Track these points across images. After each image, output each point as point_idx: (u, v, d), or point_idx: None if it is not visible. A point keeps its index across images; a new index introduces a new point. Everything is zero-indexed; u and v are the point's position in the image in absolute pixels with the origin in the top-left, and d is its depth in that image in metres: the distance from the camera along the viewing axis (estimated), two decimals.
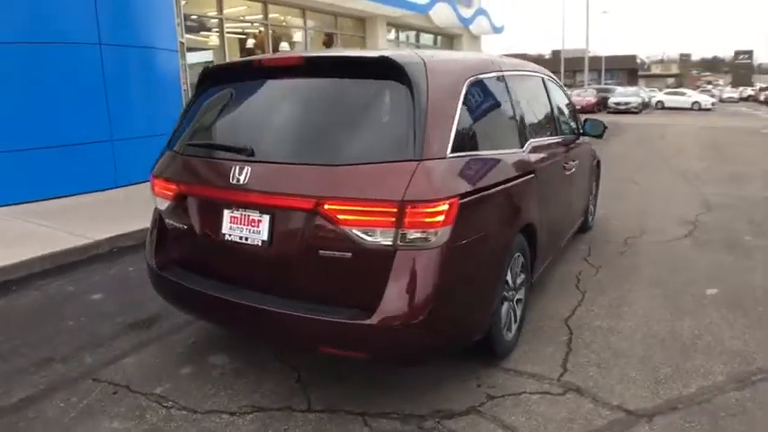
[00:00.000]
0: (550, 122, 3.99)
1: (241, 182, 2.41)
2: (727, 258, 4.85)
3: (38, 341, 3.35)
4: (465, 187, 2.34)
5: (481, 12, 24.47)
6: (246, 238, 2.47)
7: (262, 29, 13.79)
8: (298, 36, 15.36)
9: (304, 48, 15.33)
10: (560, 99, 4.51)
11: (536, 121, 3.64)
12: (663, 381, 2.86)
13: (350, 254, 2.22)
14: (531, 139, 3.35)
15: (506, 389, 2.78)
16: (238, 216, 2.50)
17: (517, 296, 3.11)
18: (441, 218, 2.17)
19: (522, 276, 3.15)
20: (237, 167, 2.43)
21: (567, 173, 4.14)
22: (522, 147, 3.16)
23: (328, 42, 17.44)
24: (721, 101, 42.59)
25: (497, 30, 26.48)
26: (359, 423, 2.51)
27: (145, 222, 5.31)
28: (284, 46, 14.73)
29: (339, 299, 2.33)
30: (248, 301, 2.44)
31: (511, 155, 2.97)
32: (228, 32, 12.56)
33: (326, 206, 2.22)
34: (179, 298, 2.83)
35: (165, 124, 7.98)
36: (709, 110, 34.73)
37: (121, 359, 3.14)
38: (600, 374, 2.93)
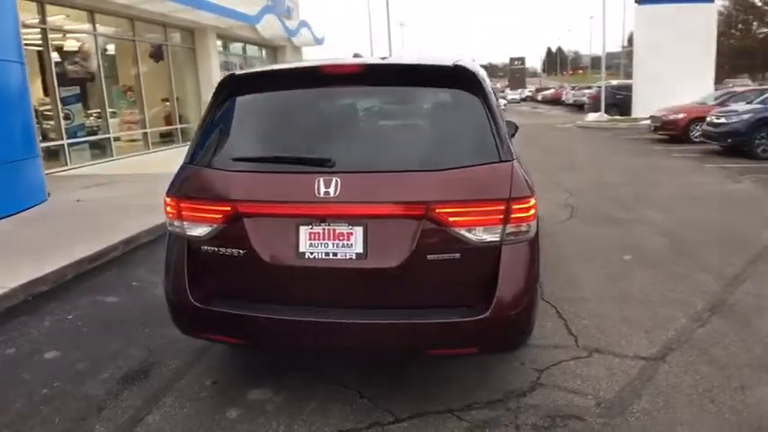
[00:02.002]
0: None
1: (331, 195, 2.32)
2: (617, 231, 5.88)
3: (18, 420, 2.73)
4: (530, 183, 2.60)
5: (304, 24, 24.97)
6: (335, 254, 2.38)
7: (88, 41, 12.29)
8: (125, 47, 13.98)
9: (133, 60, 14.04)
10: None
11: None
12: (649, 330, 3.47)
13: (458, 254, 2.31)
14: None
15: (545, 362, 3.11)
16: (320, 231, 2.39)
17: None
18: (533, 211, 2.40)
19: None
20: (322, 180, 2.33)
21: None
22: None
23: (156, 55, 16.25)
24: (508, 101, 49.14)
25: (319, 41, 27.22)
26: (453, 419, 2.61)
27: (48, 263, 4.56)
28: (85, 62, 13.28)
29: (443, 300, 2.40)
30: (345, 318, 2.37)
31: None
32: (54, 44, 10.98)
33: (437, 210, 2.28)
34: (244, 331, 2.56)
35: (21, 148, 6.77)
36: (503, 110, 39.82)
37: (143, 419, 2.72)
38: (603, 335, 3.42)
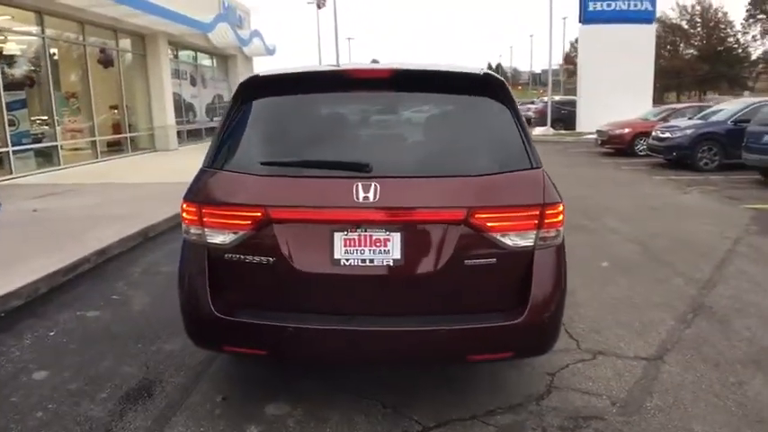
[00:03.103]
0: None
1: (370, 200, 2.29)
2: (588, 239, 6.11)
3: None
4: None
5: (256, 34, 24.70)
6: (371, 261, 2.35)
7: (35, 44, 11.64)
8: (74, 52, 13.36)
9: (82, 65, 13.42)
10: None
11: None
12: (642, 333, 3.63)
13: (494, 259, 2.35)
14: None
15: (554, 366, 3.19)
16: (356, 238, 2.36)
17: None
18: (561, 217, 2.48)
19: None
20: (361, 185, 2.30)
21: None
22: None
23: (105, 60, 15.61)
24: None
25: (270, 51, 26.97)
26: (479, 425, 2.64)
27: (18, 276, 4.24)
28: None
29: (479, 305, 2.43)
30: (382, 326, 2.35)
31: None
32: None
33: (477, 215, 2.31)
34: (272, 342, 2.47)
35: None
36: None
37: None
38: (602, 338, 3.55)
